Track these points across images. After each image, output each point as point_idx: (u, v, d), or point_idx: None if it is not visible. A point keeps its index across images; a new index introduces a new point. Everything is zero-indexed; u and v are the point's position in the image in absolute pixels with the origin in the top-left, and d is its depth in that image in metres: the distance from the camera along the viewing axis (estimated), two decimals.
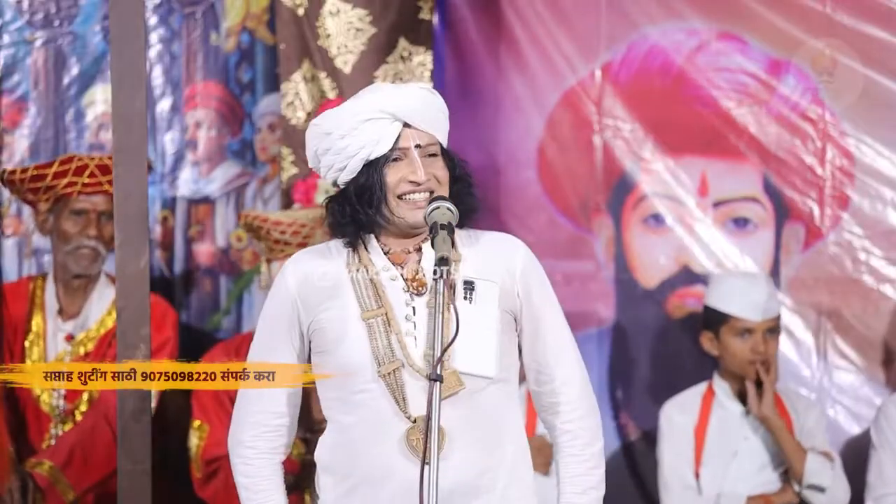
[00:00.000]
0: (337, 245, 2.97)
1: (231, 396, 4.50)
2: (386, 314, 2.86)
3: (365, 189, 2.87)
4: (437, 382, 2.67)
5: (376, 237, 2.93)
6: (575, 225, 4.98)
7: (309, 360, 2.96)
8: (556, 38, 4.96)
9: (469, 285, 2.87)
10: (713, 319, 4.51)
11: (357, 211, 2.88)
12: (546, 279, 2.99)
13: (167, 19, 5.38)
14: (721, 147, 4.83)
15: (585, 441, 2.95)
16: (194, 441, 4.54)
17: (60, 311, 4.71)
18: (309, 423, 4.16)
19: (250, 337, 4.66)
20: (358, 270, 2.90)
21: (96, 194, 4.62)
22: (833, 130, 4.69)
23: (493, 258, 2.94)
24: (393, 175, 2.86)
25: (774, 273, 4.78)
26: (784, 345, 4.72)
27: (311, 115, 4.93)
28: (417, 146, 2.87)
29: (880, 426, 4.36)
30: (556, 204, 4.97)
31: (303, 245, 4.41)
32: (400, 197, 2.86)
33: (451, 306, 2.77)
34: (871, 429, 4.40)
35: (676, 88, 4.86)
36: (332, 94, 4.92)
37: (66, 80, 5.40)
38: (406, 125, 2.87)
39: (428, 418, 2.65)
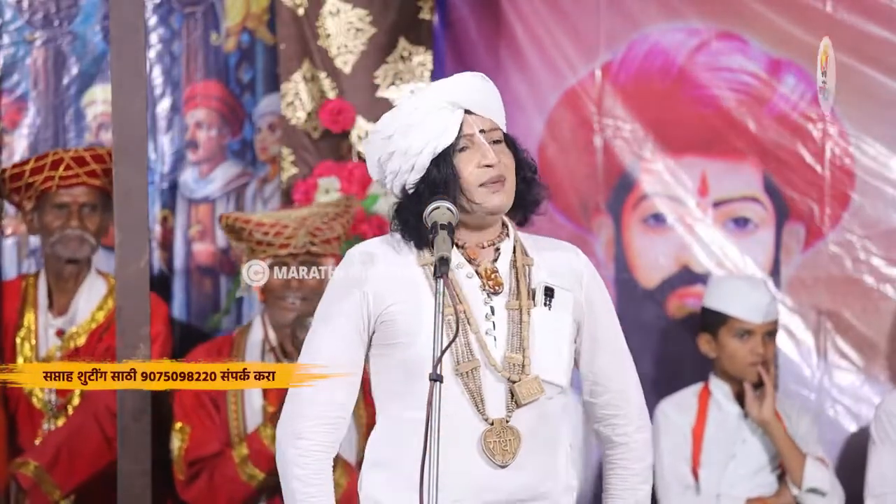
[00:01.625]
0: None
1: (212, 397, 4.50)
2: (465, 311, 2.79)
3: (438, 183, 2.80)
4: (438, 383, 2.61)
5: None
6: (575, 225, 4.97)
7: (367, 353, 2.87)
8: (556, 38, 4.96)
9: (549, 292, 2.85)
10: (712, 321, 4.50)
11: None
12: (605, 289, 2.97)
13: (167, 19, 5.38)
14: (721, 147, 4.82)
15: (638, 455, 2.95)
16: (176, 443, 4.47)
17: (51, 307, 4.72)
18: None
19: (232, 339, 4.65)
20: (432, 264, 2.80)
21: (76, 186, 4.65)
22: (833, 130, 4.69)
23: (560, 265, 2.91)
24: (465, 165, 2.81)
25: (774, 273, 4.78)
26: (784, 345, 4.72)
27: (311, 115, 4.93)
28: (482, 131, 2.83)
29: (881, 421, 4.34)
30: (556, 204, 4.96)
31: (285, 246, 4.36)
32: (482, 185, 2.81)
33: (453, 304, 2.74)
34: (872, 425, 4.39)
35: (676, 88, 4.86)
36: (332, 94, 4.92)
37: (65, 80, 5.40)
38: (467, 112, 2.83)
39: (428, 419, 2.60)
